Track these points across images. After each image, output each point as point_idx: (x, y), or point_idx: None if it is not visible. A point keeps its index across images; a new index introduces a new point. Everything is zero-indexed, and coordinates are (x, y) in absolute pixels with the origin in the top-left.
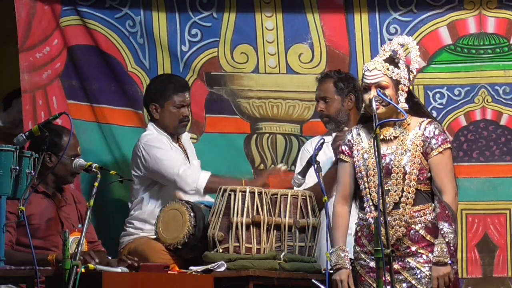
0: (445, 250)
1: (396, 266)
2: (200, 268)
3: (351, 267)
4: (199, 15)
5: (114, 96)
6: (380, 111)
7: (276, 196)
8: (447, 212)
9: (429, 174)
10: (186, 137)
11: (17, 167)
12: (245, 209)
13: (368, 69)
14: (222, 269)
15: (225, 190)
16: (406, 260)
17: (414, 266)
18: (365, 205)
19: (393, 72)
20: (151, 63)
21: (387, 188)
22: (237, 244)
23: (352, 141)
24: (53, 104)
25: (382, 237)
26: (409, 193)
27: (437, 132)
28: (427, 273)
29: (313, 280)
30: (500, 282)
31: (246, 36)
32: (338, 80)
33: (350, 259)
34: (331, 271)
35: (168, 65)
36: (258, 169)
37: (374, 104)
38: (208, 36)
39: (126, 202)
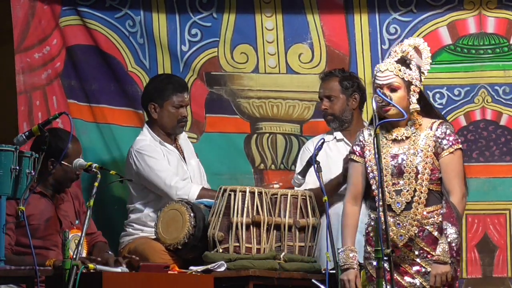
0: (447, 249)
1: (411, 271)
2: (200, 268)
3: (359, 268)
4: (199, 15)
5: (114, 96)
6: (391, 112)
7: (276, 196)
8: (452, 213)
9: (440, 174)
10: (183, 136)
11: (17, 167)
12: (245, 209)
13: (380, 70)
14: (222, 269)
15: (225, 190)
16: (418, 263)
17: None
18: (376, 205)
19: (405, 73)
20: (151, 63)
21: (399, 188)
22: (237, 244)
23: (364, 141)
24: (53, 104)
25: (391, 236)
26: (421, 192)
27: (448, 132)
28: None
29: (313, 280)
30: (500, 282)
31: (246, 36)
32: (343, 78)
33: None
34: (332, 271)
35: (168, 65)
36: (258, 168)
37: (374, 104)
38: (208, 36)
39: (126, 202)
